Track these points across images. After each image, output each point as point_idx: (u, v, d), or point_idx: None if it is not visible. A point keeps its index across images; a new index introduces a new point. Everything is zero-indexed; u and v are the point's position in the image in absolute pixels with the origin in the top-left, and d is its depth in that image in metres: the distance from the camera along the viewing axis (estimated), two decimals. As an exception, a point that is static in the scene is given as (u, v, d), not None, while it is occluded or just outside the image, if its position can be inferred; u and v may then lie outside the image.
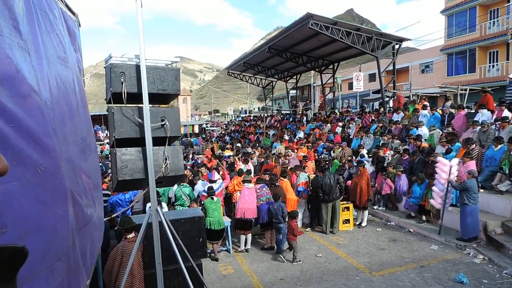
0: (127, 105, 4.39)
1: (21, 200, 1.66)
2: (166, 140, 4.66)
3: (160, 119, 4.63)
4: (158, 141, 4.62)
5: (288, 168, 10.78)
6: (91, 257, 3.49)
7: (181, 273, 4.66)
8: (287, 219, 7.92)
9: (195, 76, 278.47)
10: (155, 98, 4.80)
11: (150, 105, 4.44)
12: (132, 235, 5.15)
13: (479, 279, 6.44)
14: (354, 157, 12.51)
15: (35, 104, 1.88)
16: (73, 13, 3.80)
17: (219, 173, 10.26)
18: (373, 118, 16.21)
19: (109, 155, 7.13)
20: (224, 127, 36.35)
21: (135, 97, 4.44)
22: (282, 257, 7.80)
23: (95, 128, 28.73)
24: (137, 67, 4.38)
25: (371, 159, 11.97)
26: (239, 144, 19.46)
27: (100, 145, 24.00)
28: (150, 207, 4.70)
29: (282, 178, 9.69)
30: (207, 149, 21.12)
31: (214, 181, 9.44)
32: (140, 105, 4.42)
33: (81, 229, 2.81)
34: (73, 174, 2.56)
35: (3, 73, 1.56)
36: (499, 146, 8.98)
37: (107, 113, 4.44)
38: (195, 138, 31.46)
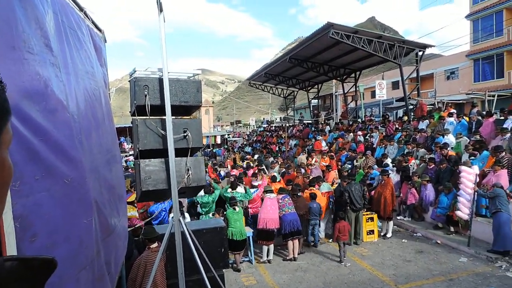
0: (151, 117, 4.50)
1: (50, 210, 1.73)
2: (189, 151, 4.73)
3: (183, 131, 4.71)
4: (180, 152, 4.70)
5: (310, 178, 10.72)
6: (116, 266, 3.56)
7: (204, 284, 4.68)
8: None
9: (217, 88, 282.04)
10: (177, 110, 4.90)
11: (173, 117, 4.53)
12: (155, 245, 5.22)
13: (512, 293, 6.16)
14: (377, 167, 12.32)
15: (63, 117, 1.97)
16: (99, 30, 3.96)
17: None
18: (397, 126, 15.92)
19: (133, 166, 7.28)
20: (246, 138, 36.52)
21: (158, 110, 4.54)
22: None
23: (120, 139, 29.46)
24: (160, 80, 4.49)
25: (395, 168, 11.74)
26: (256, 156, 19.52)
27: (126, 156, 24.56)
28: (172, 217, 4.76)
29: (311, 188, 9.71)
30: (228, 159, 21.25)
31: (256, 187, 10.03)
32: (163, 117, 4.52)
33: (105, 239, 2.88)
34: (98, 185, 2.64)
35: (33, 89, 1.64)
36: (531, 154, 8.64)
37: (132, 125, 4.56)
38: (217, 149, 31.76)
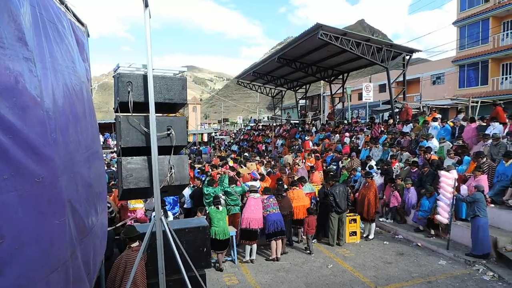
0: (134, 114, 4.42)
1: (18, 211, 1.67)
2: (172, 149, 4.67)
3: (166, 128, 4.64)
4: (164, 150, 4.63)
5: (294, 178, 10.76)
6: (94, 266, 3.50)
7: (184, 283, 4.63)
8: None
9: (205, 85, 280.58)
10: (161, 107, 4.82)
11: (157, 115, 4.46)
12: (136, 244, 5.14)
13: (489, 296, 6.28)
14: (360, 169, 12.42)
15: (35, 114, 1.90)
16: (82, 24, 3.87)
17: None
18: (382, 129, 16.08)
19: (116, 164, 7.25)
20: (233, 136, 36.44)
21: (142, 106, 4.46)
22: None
23: (105, 136, 29.01)
24: (144, 77, 4.41)
25: (379, 170, 11.85)
26: (246, 154, 19.45)
27: (111, 152, 24.29)
28: (154, 216, 4.70)
29: (294, 187, 9.73)
30: (215, 158, 21.16)
31: (256, 179, 10.30)
32: (147, 114, 4.45)
33: (83, 239, 2.81)
34: (74, 184, 2.57)
35: (1, 85, 1.58)
36: (510, 161, 8.82)
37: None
38: (204, 147, 31.58)
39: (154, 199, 4.55)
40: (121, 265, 5.02)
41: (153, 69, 4.45)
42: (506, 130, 10.51)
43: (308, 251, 8.81)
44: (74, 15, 3.48)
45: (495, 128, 10.78)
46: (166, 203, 8.92)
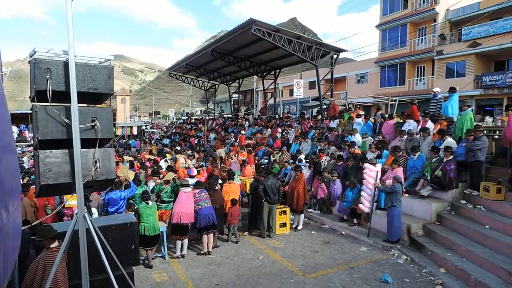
0: (53, 104, 4.10)
1: None
2: (97, 142, 4.41)
3: (91, 120, 4.38)
4: (88, 143, 4.36)
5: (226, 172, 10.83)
6: (5, 269, 3.18)
7: (111, 283, 4.43)
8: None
9: (135, 76, 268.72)
10: (85, 98, 4.53)
11: (79, 105, 4.17)
12: (55, 244, 4.77)
13: (401, 278, 6.91)
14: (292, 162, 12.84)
15: None
16: (-9, 1, 3.48)
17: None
18: (311, 124, 16.75)
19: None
20: (165, 129, 35.46)
21: (63, 96, 4.16)
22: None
23: (20, 127, 26.54)
24: (65, 64, 4.11)
25: (308, 164, 12.36)
26: (178, 147, 19.08)
27: (28, 146, 22.29)
28: (76, 213, 4.41)
29: (231, 181, 9.91)
30: (144, 152, 20.43)
31: (193, 177, 10.31)
32: (68, 105, 4.14)
33: (-10, 240, 2.54)
34: (-20, 179, 2.30)
35: None
36: (417, 155, 9.83)
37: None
38: (133, 140, 30.29)
39: (77, 195, 4.27)
40: (40, 268, 4.62)
41: (75, 56, 4.16)
42: (419, 126, 11.55)
43: (235, 241, 9.15)
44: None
45: (410, 124, 11.82)
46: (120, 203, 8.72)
